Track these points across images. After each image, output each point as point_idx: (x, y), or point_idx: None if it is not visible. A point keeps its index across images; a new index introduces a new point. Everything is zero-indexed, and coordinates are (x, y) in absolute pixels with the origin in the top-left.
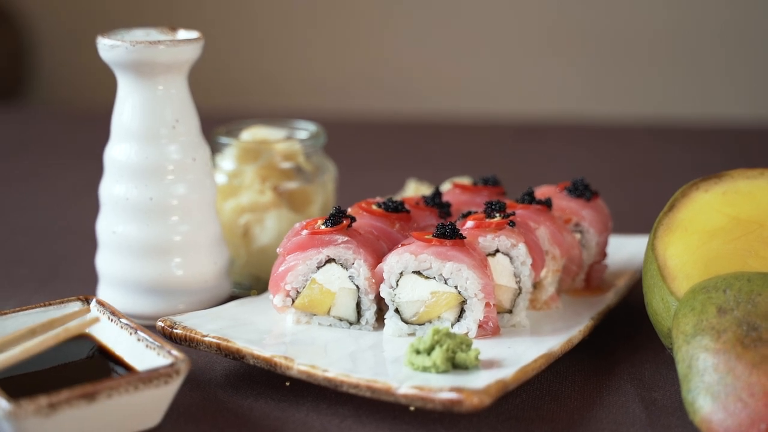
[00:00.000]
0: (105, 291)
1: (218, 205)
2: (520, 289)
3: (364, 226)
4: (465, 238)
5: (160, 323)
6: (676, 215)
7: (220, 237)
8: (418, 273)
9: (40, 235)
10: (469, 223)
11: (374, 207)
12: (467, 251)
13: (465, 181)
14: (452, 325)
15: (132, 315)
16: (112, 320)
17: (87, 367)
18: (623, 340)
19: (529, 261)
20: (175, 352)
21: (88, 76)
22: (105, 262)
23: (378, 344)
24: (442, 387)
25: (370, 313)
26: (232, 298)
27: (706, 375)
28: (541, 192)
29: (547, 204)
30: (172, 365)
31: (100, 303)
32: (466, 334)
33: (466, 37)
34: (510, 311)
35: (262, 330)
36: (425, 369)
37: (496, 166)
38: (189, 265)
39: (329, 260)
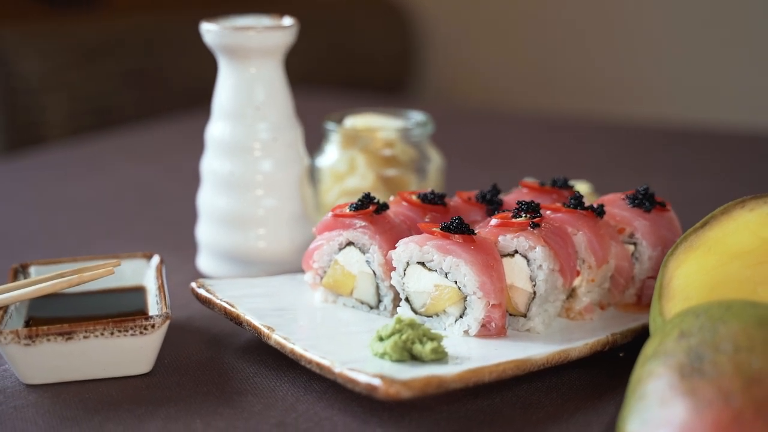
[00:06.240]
0: (201, 257)
1: (327, 188)
2: (534, 293)
3: (398, 215)
4: (474, 233)
5: (193, 284)
6: (706, 233)
7: (300, 215)
8: (423, 264)
9: None
10: (494, 221)
11: (414, 198)
12: (469, 247)
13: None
14: (455, 320)
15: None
16: (154, 277)
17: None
18: None
19: (547, 265)
20: (164, 309)
21: (475, 74)
22: (200, 230)
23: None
24: (368, 372)
25: (387, 299)
26: None
27: (641, 400)
28: (605, 198)
29: (596, 210)
30: (147, 318)
31: (160, 261)
32: (466, 331)
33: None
34: (525, 315)
35: (279, 303)
36: (381, 356)
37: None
38: (271, 238)
39: (349, 243)
